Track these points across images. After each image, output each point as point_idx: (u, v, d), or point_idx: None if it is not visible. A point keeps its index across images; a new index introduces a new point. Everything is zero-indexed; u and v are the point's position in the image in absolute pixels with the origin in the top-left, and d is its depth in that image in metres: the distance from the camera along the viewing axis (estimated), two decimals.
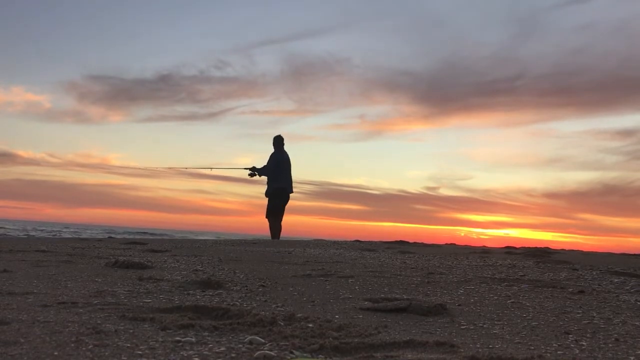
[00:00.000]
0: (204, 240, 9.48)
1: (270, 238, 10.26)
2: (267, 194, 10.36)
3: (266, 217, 10.32)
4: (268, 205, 10.31)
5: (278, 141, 10.51)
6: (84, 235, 13.67)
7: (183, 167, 11.68)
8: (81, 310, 2.18)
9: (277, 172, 10.29)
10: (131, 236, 13.61)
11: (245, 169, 10.67)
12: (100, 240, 8.25)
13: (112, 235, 14.44)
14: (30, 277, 3.14)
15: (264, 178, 10.48)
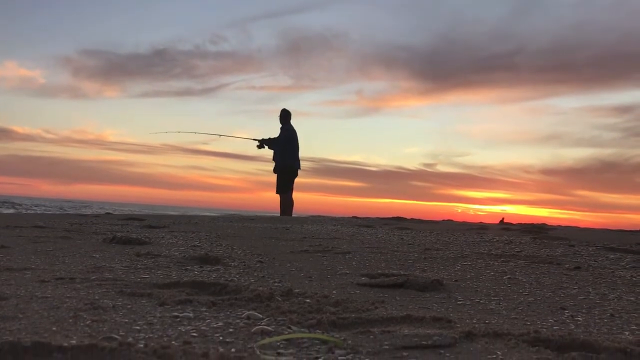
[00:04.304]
0: (202, 216, 9.48)
1: (279, 214, 10.23)
2: (275, 170, 10.27)
3: (277, 192, 10.27)
4: (278, 181, 10.24)
5: (286, 115, 10.38)
6: (81, 212, 13.68)
7: (192, 132, 11.60)
8: (79, 285, 2.18)
9: (287, 148, 10.20)
10: (129, 212, 13.62)
11: (254, 139, 10.54)
12: (97, 216, 8.25)
13: (110, 212, 14.46)
14: (27, 253, 3.14)
15: (270, 151, 10.39)
